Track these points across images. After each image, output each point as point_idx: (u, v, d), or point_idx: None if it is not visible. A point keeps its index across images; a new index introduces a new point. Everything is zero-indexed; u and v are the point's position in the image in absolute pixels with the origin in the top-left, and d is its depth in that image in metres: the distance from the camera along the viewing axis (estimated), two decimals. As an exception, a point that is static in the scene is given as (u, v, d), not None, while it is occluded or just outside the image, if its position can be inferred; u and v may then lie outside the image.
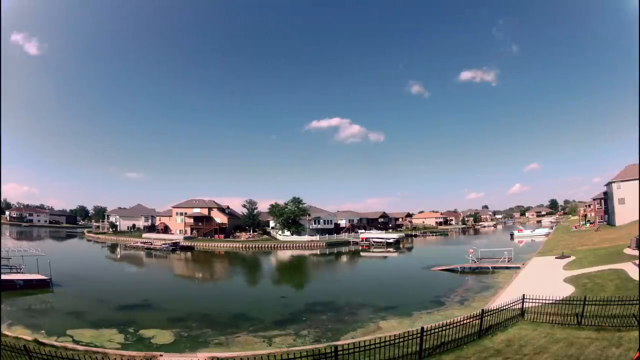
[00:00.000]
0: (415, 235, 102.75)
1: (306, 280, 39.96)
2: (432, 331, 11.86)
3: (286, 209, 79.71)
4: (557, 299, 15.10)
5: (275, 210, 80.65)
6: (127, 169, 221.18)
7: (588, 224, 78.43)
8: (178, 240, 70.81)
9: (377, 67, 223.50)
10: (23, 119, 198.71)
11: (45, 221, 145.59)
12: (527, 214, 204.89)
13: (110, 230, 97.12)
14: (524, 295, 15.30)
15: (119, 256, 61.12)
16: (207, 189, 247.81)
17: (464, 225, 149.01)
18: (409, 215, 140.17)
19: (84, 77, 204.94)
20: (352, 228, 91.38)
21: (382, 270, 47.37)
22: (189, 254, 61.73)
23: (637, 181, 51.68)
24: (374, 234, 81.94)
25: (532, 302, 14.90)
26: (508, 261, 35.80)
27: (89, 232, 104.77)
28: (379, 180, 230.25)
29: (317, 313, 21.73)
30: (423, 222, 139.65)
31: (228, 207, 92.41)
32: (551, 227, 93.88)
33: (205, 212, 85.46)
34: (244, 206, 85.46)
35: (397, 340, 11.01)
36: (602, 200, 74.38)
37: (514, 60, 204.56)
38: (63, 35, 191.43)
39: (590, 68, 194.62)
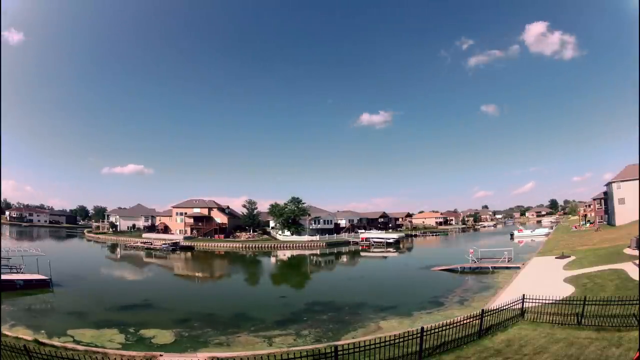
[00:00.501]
0: (415, 235, 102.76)
1: (306, 280, 39.94)
2: (432, 331, 11.87)
3: (286, 209, 79.72)
4: (557, 299, 15.09)
5: (275, 210, 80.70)
6: (127, 169, 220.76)
7: (588, 224, 78.43)
8: (178, 240, 70.80)
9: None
10: (23, 119, 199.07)
11: (45, 221, 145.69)
12: (527, 214, 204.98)
13: (110, 230, 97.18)
14: (524, 295, 15.29)
15: (119, 256, 61.14)
16: (207, 189, 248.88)
17: (464, 225, 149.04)
18: (409, 215, 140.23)
19: (84, 78, 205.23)
20: (352, 228, 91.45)
21: (382, 270, 47.34)
22: (189, 254, 61.71)
23: (637, 181, 51.67)
24: (374, 234, 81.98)
25: (532, 302, 14.90)
26: (508, 261, 35.79)
27: (89, 232, 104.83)
28: (382, 179, 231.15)
29: (318, 313, 21.73)
30: (423, 222, 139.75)
31: (228, 207, 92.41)
32: (551, 227, 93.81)
33: (205, 212, 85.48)
34: (244, 206, 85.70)
35: (397, 340, 11.02)
36: (602, 200, 74.36)
37: (514, 60, 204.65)
38: (63, 36, 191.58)
39: (590, 68, 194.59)
